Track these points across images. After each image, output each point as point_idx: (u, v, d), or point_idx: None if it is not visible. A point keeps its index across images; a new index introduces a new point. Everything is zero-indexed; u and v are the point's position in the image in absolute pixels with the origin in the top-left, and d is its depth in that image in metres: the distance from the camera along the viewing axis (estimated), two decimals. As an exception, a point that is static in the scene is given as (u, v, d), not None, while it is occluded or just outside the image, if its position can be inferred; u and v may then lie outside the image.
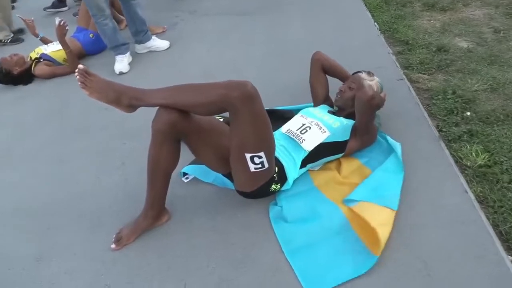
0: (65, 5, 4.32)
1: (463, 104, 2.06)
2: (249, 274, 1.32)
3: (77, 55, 2.97)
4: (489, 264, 1.26)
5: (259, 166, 1.35)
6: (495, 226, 1.42)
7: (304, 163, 1.58)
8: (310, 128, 1.61)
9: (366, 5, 3.44)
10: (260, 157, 1.33)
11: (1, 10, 3.62)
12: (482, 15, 3.08)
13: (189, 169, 1.73)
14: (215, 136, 1.41)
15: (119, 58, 2.78)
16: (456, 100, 2.09)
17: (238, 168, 1.40)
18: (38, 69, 2.81)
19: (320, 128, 1.61)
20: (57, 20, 2.59)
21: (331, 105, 1.89)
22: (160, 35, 3.27)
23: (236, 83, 1.20)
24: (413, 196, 1.51)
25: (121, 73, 2.76)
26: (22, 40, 3.74)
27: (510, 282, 1.20)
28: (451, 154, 1.74)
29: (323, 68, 1.87)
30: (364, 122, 1.59)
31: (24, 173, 1.99)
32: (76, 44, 2.98)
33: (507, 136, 1.81)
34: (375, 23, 3.07)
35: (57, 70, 2.85)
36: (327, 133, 1.60)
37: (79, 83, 1.30)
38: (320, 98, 1.88)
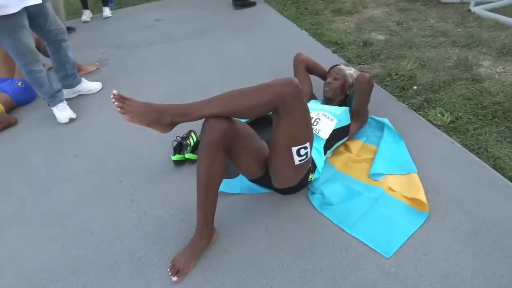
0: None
1: (409, 81, 2.46)
2: (325, 258, 1.38)
3: (7, 108, 2.61)
4: (501, 187, 1.57)
5: (304, 157, 1.42)
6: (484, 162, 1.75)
7: (324, 151, 1.71)
8: (319, 119, 1.75)
9: (286, 17, 3.80)
10: (306, 147, 1.40)
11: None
12: (381, 13, 3.69)
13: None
14: (252, 139, 1.45)
15: (60, 106, 2.47)
16: (402, 79, 2.48)
17: (282, 164, 1.44)
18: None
19: (328, 118, 1.76)
20: None
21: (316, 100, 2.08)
22: (90, 75, 3.05)
23: (285, 79, 1.26)
24: (418, 155, 1.76)
25: (71, 120, 2.48)
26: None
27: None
28: (424, 119, 2.06)
29: (306, 67, 2.04)
30: (364, 102, 1.82)
31: (20, 245, 1.64)
32: (4, 96, 2.61)
33: (454, 97, 2.23)
34: (304, 31, 3.41)
35: (-14, 129, 2.45)
36: (335, 120, 1.76)
37: (118, 109, 1.21)
38: (307, 96, 2.05)
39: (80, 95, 2.77)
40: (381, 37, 3.17)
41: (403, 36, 3.12)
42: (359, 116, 1.88)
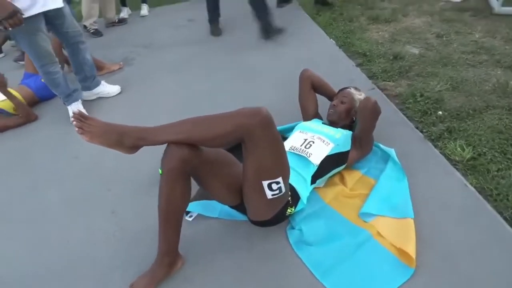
0: (0, 52, 3.99)
1: (433, 105, 2.20)
2: (287, 306, 1.26)
3: (29, 102, 2.73)
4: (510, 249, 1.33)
5: (277, 192, 1.30)
6: (499, 213, 1.50)
7: (313, 179, 1.56)
8: (313, 142, 1.61)
9: (317, 24, 3.61)
10: (278, 182, 1.29)
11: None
12: (421, 23, 3.38)
13: (192, 206, 1.63)
14: (224, 167, 1.36)
15: (74, 106, 2.50)
16: (426, 101, 2.23)
17: (253, 197, 1.34)
18: (-14, 123, 2.51)
19: (324, 141, 1.61)
20: None
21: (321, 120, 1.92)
22: (112, 75, 3.10)
23: (252, 110, 1.16)
24: (421, 197, 1.56)
25: None
26: (101, 35, 4.04)
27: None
28: (440, 152, 1.83)
29: (312, 85, 1.90)
30: (368, 129, 1.65)
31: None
32: (28, 91, 2.73)
33: (482, 129, 1.96)
34: (331, 39, 3.22)
35: (8, 122, 2.57)
36: (332, 145, 1.61)
37: (77, 129, 1.18)
38: (311, 115, 1.91)
39: (98, 98, 2.82)
40: (415, 51, 2.89)
41: (440, 51, 2.83)
42: (362, 143, 1.71)
